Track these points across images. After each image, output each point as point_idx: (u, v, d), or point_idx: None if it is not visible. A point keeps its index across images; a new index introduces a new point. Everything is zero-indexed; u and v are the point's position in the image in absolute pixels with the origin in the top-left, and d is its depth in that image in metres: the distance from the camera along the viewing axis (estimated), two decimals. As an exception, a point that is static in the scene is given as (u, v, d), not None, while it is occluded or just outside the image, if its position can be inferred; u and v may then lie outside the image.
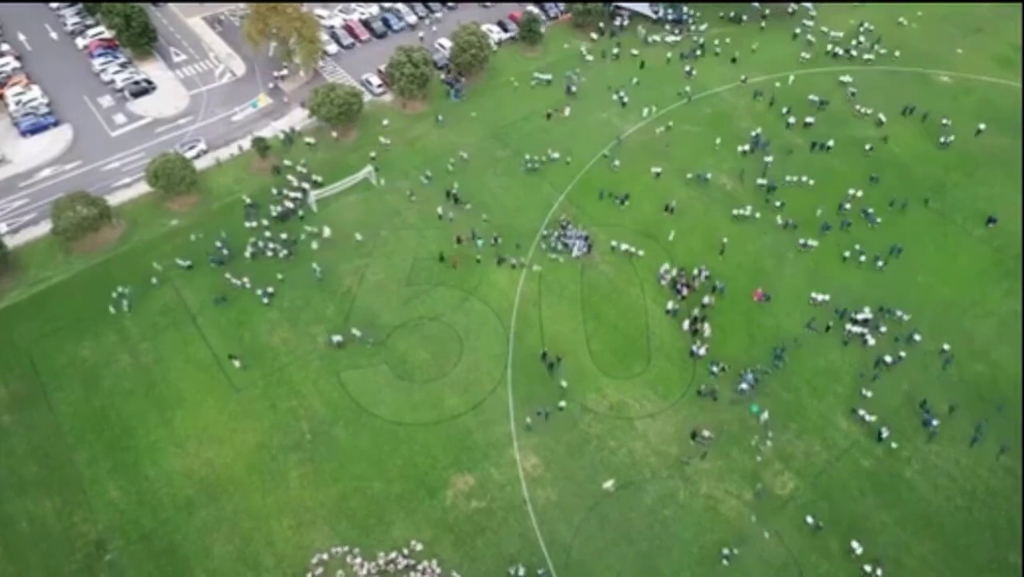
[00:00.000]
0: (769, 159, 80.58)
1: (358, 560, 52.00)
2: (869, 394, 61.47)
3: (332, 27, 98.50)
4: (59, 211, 67.39)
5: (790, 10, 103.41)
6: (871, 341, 64.75)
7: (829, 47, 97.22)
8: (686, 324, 65.61)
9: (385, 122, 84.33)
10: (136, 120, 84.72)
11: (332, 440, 58.20)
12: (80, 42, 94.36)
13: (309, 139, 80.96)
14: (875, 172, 79.98)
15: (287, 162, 78.84)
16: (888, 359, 63.48)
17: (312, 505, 54.77)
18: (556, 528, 54.21)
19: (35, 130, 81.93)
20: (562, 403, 59.55)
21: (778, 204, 76.07)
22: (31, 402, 59.54)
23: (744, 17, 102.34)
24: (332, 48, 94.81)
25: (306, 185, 75.66)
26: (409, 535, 53.41)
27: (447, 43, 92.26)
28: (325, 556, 52.14)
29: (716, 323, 66.07)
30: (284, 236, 71.40)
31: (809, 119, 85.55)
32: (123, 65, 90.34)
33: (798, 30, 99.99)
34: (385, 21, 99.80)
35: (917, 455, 58.80)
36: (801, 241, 72.47)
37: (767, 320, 66.98)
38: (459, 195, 75.44)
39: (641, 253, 70.73)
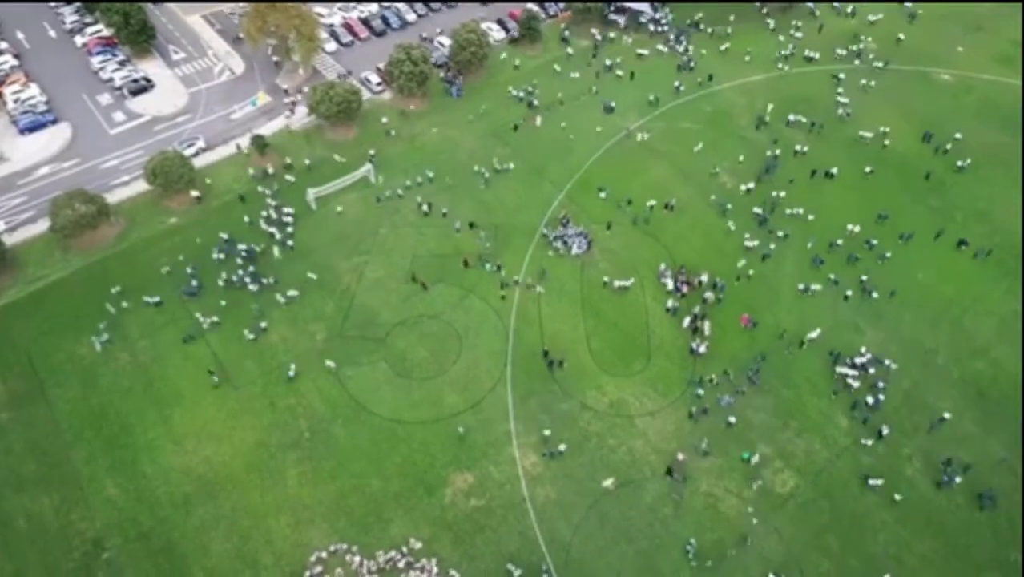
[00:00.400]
0: (781, 194, 76.43)
1: (357, 558, 51.82)
2: (869, 443, 58.56)
3: (331, 25, 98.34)
4: (57, 209, 67.26)
5: (771, 26, 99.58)
6: (856, 385, 61.76)
7: (809, 53, 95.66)
8: (686, 321, 65.44)
9: (384, 120, 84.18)
10: (135, 118, 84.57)
11: (331, 438, 58.04)
12: (79, 40, 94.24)
13: (289, 176, 76.93)
14: (877, 195, 77.15)
15: (262, 188, 75.64)
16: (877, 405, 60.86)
17: (310, 503, 54.61)
18: (556, 526, 54.04)
19: (33, 128, 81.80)
20: (562, 446, 57.21)
21: (781, 234, 73.02)
22: (29, 400, 59.39)
23: (710, 31, 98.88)
24: (331, 46, 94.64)
25: (274, 229, 71.94)
26: (408, 533, 53.23)
27: (446, 41, 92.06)
28: (324, 554, 51.97)
29: (716, 320, 65.89)
30: (253, 269, 68.36)
31: (799, 147, 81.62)
32: (122, 63, 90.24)
33: (784, 52, 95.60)
34: (384, 19, 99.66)
35: (918, 453, 58.65)
36: (802, 286, 68.77)
37: (767, 317, 66.79)
38: (475, 221, 73.12)
39: (628, 284, 68.06)
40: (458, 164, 79.69)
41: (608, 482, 55.89)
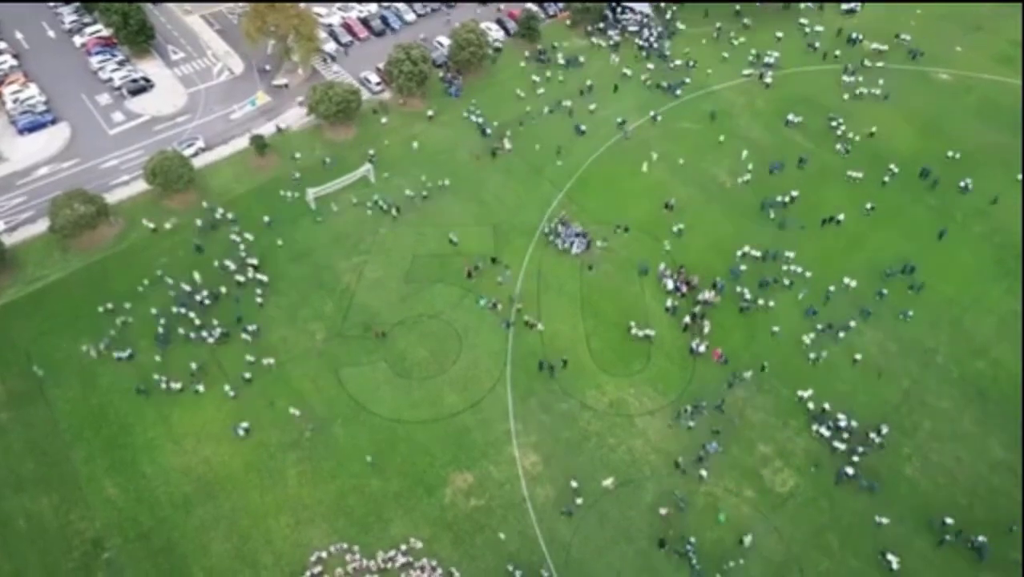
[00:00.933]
0: (790, 254, 70.82)
1: (357, 558, 51.79)
2: (886, 522, 54.75)
3: (331, 25, 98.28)
4: (57, 209, 67.21)
5: (753, 50, 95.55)
6: (841, 448, 57.94)
7: (806, 57, 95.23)
8: (687, 319, 65.42)
9: (384, 120, 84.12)
10: (134, 118, 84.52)
11: (330, 438, 57.99)
12: (78, 40, 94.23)
13: (248, 235, 70.84)
14: (883, 235, 73.41)
15: (234, 236, 70.66)
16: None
17: (310, 503, 54.58)
18: (556, 526, 53.99)
19: (33, 128, 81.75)
20: (579, 500, 54.65)
21: (788, 283, 68.85)
22: (28, 399, 59.33)
23: (706, 30, 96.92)
24: (331, 46, 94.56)
25: (242, 276, 67.47)
26: (408, 533, 53.20)
27: (446, 41, 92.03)
28: (324, 554, 51.94)
29: (716, 320, 65.84)
30: (216, 324, 63.79)
31: (790, 195, 76.25)
32: (121, 63, 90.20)
33: (775, 60, 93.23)
34: (383, 19, 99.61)
35: (918, 452, 58.65)
36: (813, 355, 63.98)
37: (766, 316, 66.71)
38: (497, 257, 69.90)
39: (651, 333, 64.53)
40: (458, 163, 79.68)
41: (608, 482, 55.86)
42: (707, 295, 67.25)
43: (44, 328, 63.77)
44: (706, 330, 64.87)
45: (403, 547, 52.33)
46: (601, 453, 57.81)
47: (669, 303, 66.96)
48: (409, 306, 66.47)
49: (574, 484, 55.40)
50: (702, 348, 63.71)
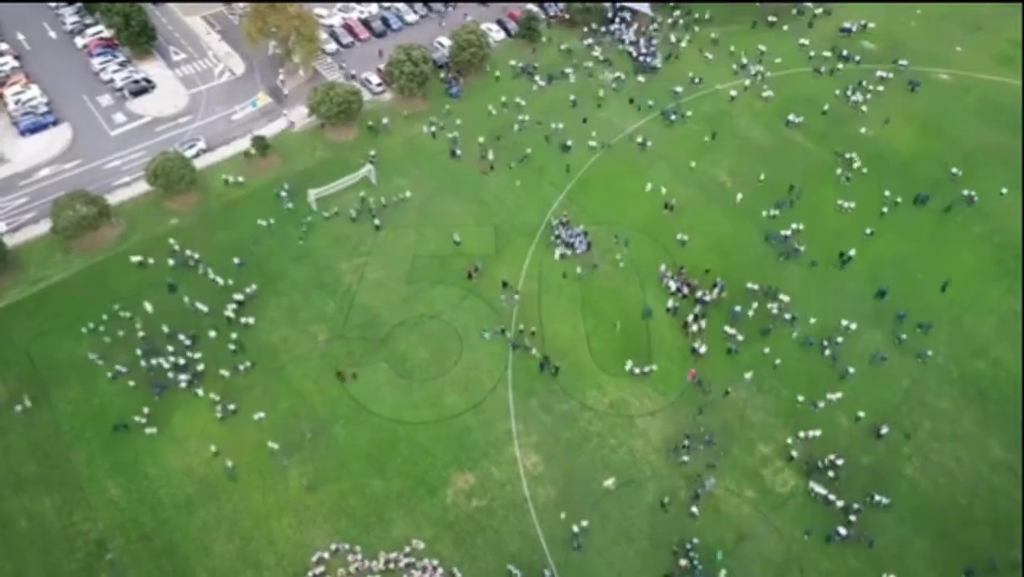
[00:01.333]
0: (785, 299, 67.83)
1: (359, 558, 51.92)
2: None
3: (331, 26, 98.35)
4: (59, 210, 67.31)
5: (768, 31, 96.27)
6: (839, 503, 55.42)
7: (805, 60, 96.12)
8: (689, 318, 65.56)
9: (384, 121, 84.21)
10: (135, 119, 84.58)
11: (332, 439, 58.11)
12: (79, 41, 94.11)
13: (217, 274, 67.58)
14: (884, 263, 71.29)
15: (219, 281, 67.21)
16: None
17: (312, 504, 54.71)
18: (556, 526, 54.07)
19: (34, 129, 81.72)
20: (585, 522, 53.56)
21: (789, 316, 66.63)
22: (30, 400, 59.29)
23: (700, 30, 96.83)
24: (331, 47, 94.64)
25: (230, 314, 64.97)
26: (409, 533, 53.36)
27: (446, 41, 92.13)
28: (326, 554, 52.05)
29: (715, 321, 65.85)
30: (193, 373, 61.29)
31: (791, 229, 73.42)
32: (122, 64, 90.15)
33: (777, 60, 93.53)
34: (384, 20, 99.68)
35: (918, 452, 58.76)
36: (802, 399, 61.65)
37: (760, 357, 65.42)
38: (508, 280, 68.07)
39: (651, 369, 62.77)
40: (457, 164, 79.77)
41: (609, 482, 56.00)
42: (707, 295, 67.41)
43: (45, 328, 63.84)
44: (699, 328, 64.96)
45: (405, 548, 52.45)
46: (602, 453, 57.94)
47: (670, 303, 67.05)
48: (410, 307, 66.57)
49: (575, 529, 53.31)
50: (703, 348, 63.83)
